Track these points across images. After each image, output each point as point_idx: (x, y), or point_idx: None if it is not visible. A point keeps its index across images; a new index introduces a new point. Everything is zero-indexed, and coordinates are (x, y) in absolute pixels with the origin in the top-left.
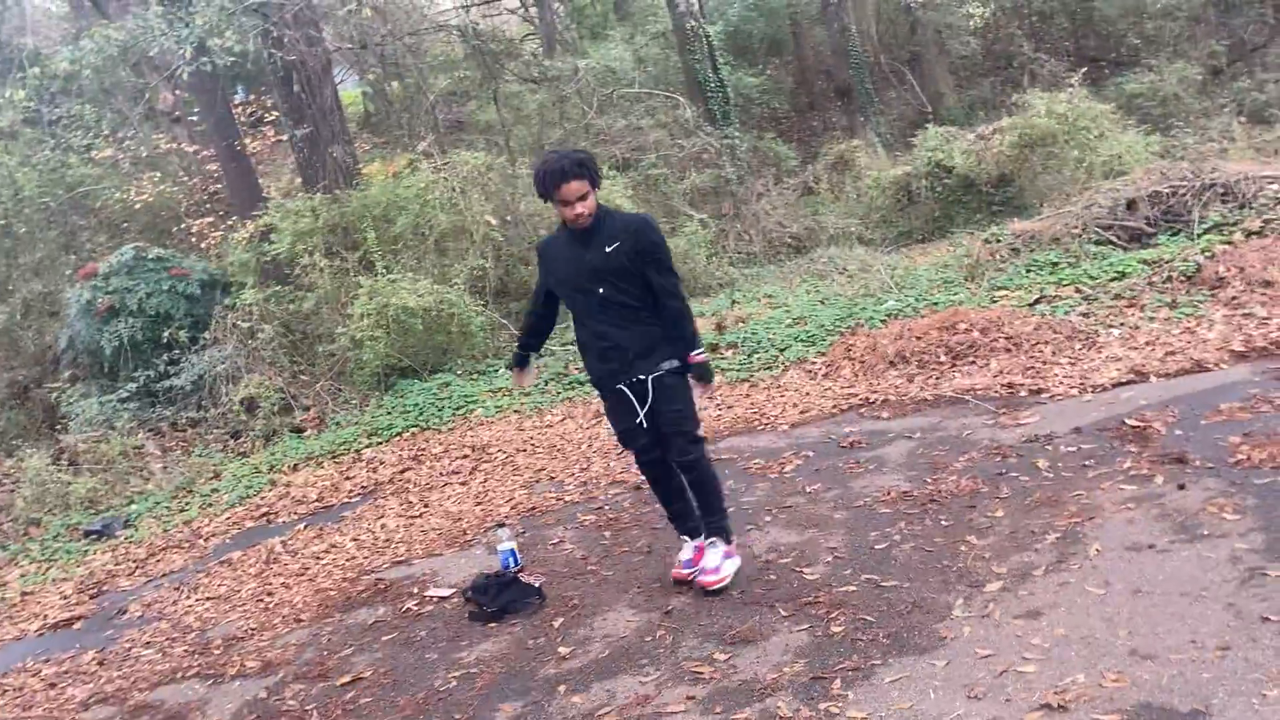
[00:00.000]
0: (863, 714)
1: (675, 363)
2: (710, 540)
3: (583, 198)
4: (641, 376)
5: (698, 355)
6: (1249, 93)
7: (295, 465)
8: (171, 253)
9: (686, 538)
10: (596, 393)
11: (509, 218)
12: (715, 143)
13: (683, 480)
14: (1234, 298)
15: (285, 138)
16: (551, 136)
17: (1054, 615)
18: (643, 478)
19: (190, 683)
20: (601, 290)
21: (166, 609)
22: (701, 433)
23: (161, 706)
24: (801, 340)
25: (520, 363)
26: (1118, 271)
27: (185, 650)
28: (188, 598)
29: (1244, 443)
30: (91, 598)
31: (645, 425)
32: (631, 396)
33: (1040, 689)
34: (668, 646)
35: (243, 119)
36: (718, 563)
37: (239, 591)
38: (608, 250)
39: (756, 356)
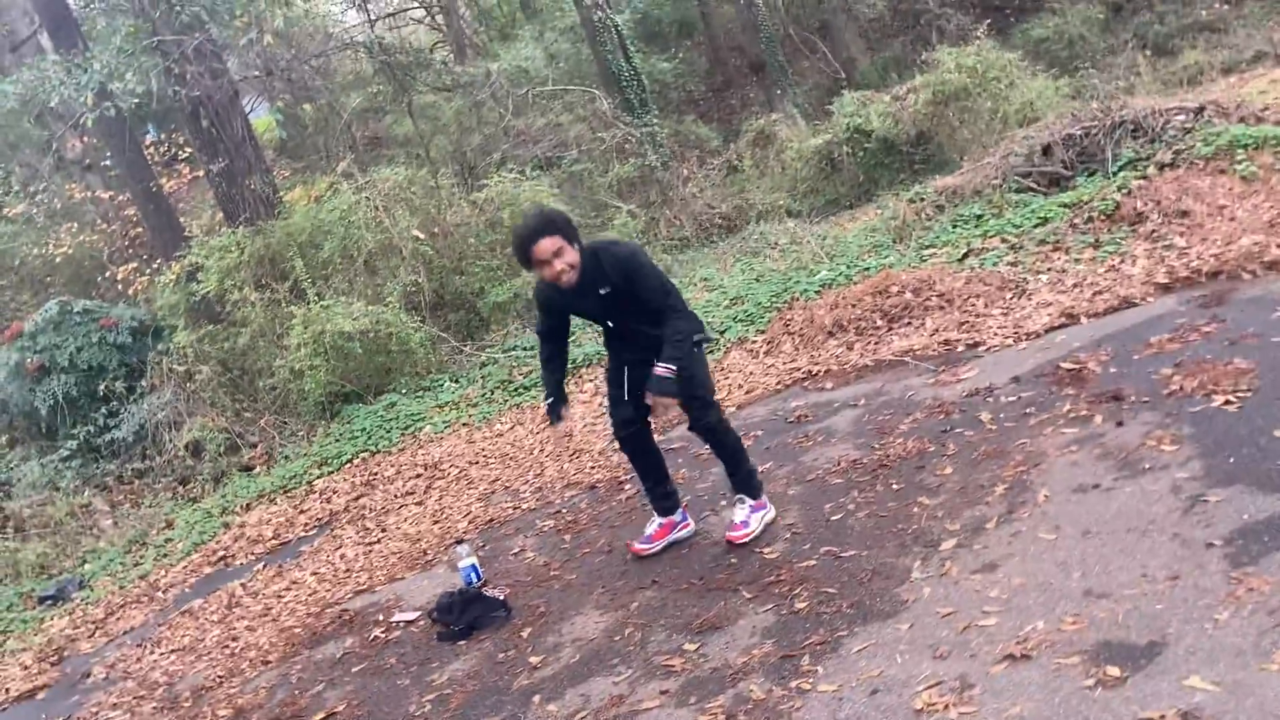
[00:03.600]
0: (833, 686)
1: (693, 338)
2: (737, 496)
3: (558, 253)
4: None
5: (664, 369)
6: (1150, 26)
7: (248, 505)
8: (98, 303)
9: (655, 514)
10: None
11: (436, 230)
12: (635, 132)
13: (660, 459)
14: (1153, 231)
15: (201, 174)
16: (471, 143)
17: (1009, 566)
18: (596, 478)
19: None
20: (611, 325)
21: (131, 667)
22: (715, 399)
23: None
24: (740, 320)
25: (554, 416)
26: (1040, 218)
27: (154, 707)
28: (151, 653)
29: (1175, 373)
30: (53, 665)
31: (630, 396)
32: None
33: (1003, 641)
34: (637, 643)
35: (156, 159)
36: (744, 516)
37: (203, 640)
38: (602, 294)
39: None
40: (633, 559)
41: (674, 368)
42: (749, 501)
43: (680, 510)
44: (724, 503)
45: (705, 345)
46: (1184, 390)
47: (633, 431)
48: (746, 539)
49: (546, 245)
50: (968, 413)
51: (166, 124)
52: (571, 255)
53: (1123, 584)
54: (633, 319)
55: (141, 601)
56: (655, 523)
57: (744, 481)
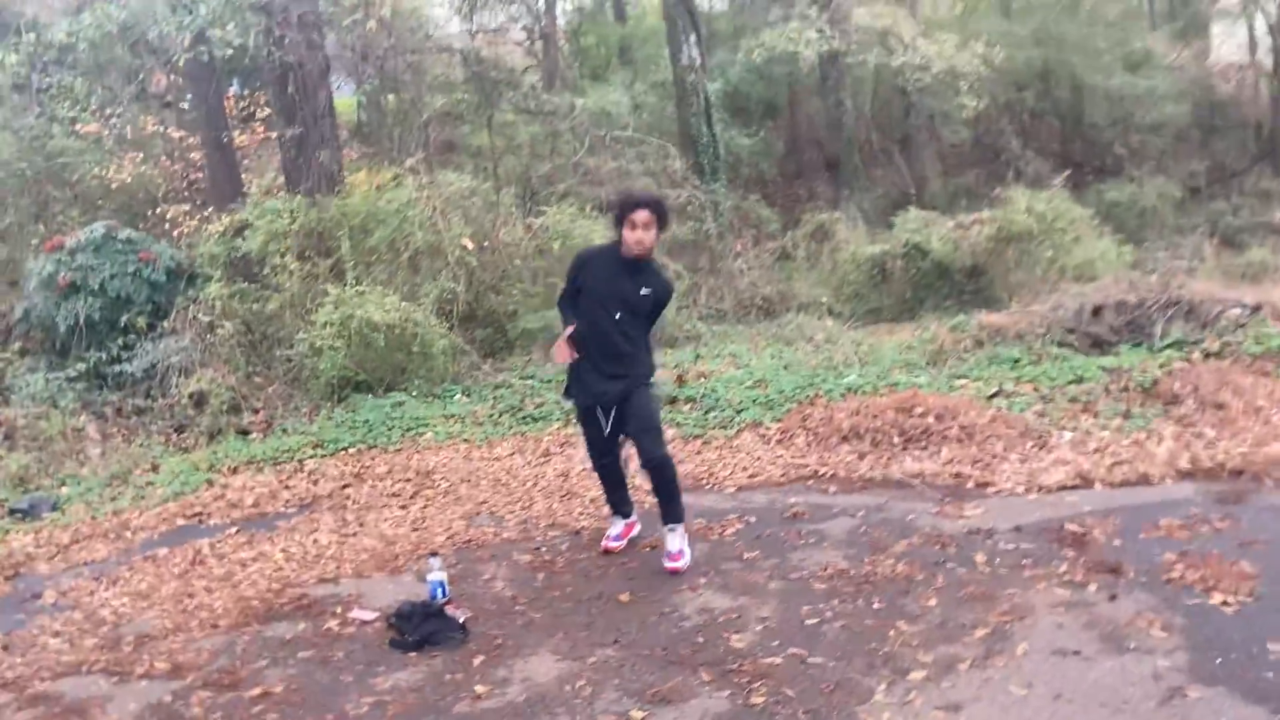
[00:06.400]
0: None
1: (648, 378)
2: (670, 526)
3: (647, 226)
4: (621, 390)
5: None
6: (1224, 215)
7: (236, 467)
8: (143, 235)
9: (618, 516)
10: (570, 403)
11: (486, 243)
12: (700, 196)
13: (623, 473)
14: (1186, 416)
15: (274, 136)
16: (539, 169)
17: (974, 710)
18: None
19: (95, 677)
20: (618, 316)
21: (82, 599)
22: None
23: (61, 699)
24: (759, 403)
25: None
26: (1077, 375)
27: (95, 644)
28: (106, 590)
29: (1179, 561)
30: (6, 579)
31: (610, 435)
32: (602, 414)
33: None
34: (586, 698)
35: (233, 112)
36: (680, 545)
37: (159, 590)
38: (642, 292)
39: (713, 414)
40: (599, 614)
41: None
42: (679, 528)
43: (633, 512)
44: (683, 587)
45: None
46: (1184, 580)
47: (606, 463)
48: (686, 567)
49: (645, 215)
50: (964, 550)
51: (252, 81)
52: (653, 236)
53: None
54: (631, 326)
55: (109, 536)
56: (620, 523)
57: (677, 511)
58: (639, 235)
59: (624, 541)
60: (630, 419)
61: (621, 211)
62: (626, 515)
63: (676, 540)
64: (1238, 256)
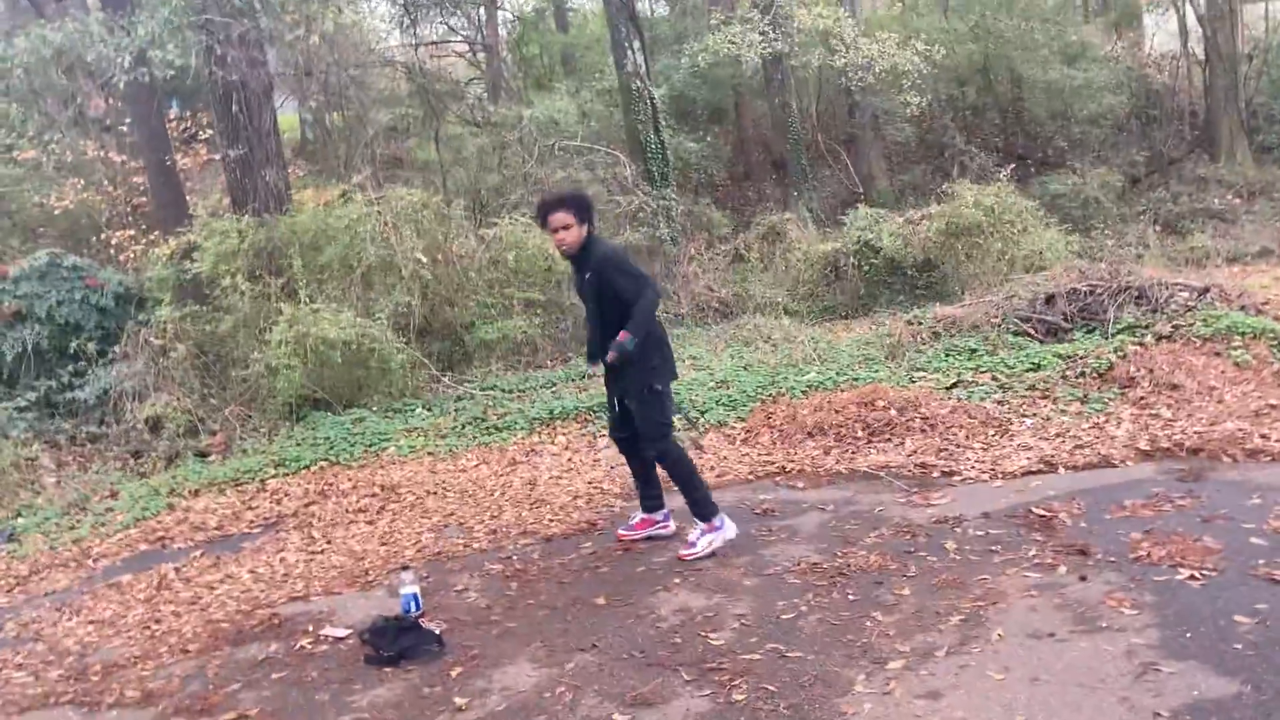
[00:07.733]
0: None
1: (648, 385)
2: (694, 519)
3: (566, 227)
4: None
5: (624, 336)
6: (1164, 203)
7: (196, 490)
8: (89, 262)
9: (639, 509)
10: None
11: (439, 256)
12: (652, 202)
13: (648, 465)
14: (1142, 398)
15: (218, 157)
16: (489, 181)
17: (953, 697)
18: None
19: (63, 709)
20: (591, 308)
21: (45, 630)
22: (666, 434)
23: None
24: (723, 404)
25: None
26: (1033, 363)
27: (61, 675)
28: (69, 619)
29: (1145, 540)
30: None
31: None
32: (616, 403)
33: None
34: (567, 704)
35: (175, 134)
36: (694, 537)
37: (125, 617)
38: (586, 276)
39: (677, 417)
40: (575, 619)
41: (631, 334)
42: (700, 525)
43: (663, 512)
44: (659, 589)
45: (667, 386)
46: (1151, 558)
47: (621, 439)
48: (690, 557)
49: (559, 217)
50: (934, 538)
51: (192, 102)
52: (575, 234)
53: None
54: (607, 313)
55: (69, 566)
56: (638, 515)
57: (696, 505)
58: (559, 237)
59: (636, 535)
60: (635, 420)
61: (540, 223)
62: (647, 510)
63: (694, 532)
64: (1180, 242)
